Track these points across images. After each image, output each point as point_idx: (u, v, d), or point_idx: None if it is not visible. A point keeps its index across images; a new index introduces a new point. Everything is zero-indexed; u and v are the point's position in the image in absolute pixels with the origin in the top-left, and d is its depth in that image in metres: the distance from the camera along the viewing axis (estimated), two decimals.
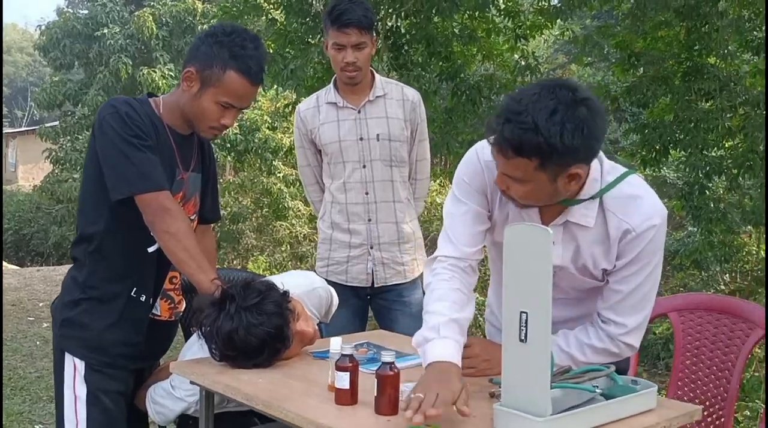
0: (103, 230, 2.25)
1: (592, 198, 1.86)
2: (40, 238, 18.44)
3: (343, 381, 1.79)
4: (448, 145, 8.80)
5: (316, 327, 2.25)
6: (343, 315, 3.12)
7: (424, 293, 2.05)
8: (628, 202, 1.86)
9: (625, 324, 1.92)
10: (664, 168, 9.67)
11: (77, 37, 17.49)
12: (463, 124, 8.64)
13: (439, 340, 1.83)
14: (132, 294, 2.28)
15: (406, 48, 7.36)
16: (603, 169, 1.88)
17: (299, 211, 15.96)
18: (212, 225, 2.60)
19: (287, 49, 7.44)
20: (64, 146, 17.14)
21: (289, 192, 15.95)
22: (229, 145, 17.14)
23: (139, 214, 2.18)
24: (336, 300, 2.61)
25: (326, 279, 3.37)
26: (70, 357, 2.28)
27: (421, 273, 3.30)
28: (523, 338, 1.59)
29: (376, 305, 3.29)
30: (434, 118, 8.77)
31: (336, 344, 2.01)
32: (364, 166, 3.15)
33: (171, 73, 16.13)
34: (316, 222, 3.51)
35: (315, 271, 3.16)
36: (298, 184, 13.20)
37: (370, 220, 3.17)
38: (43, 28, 17.74)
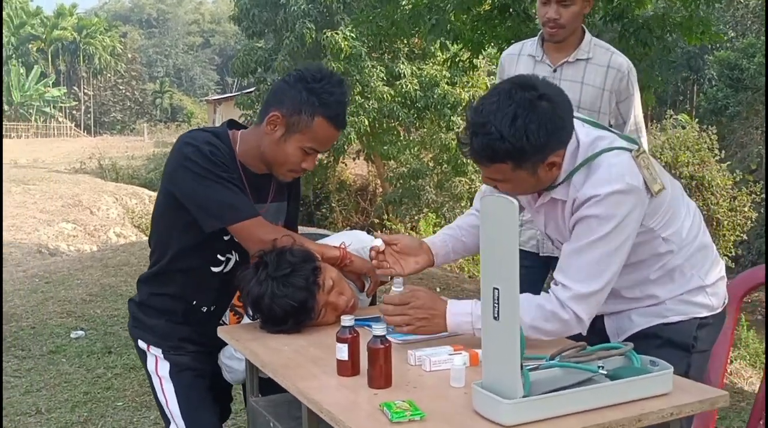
0: (174, 252, 2.30)
1: (565, 180, 1.92)
2: None
3: (342, 352, 1.79)
4: None
5: (354, 296, 2.25)
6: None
7: None
8: (585, 173, 1.89)
9: (570, 288, 1.89)
10: None
11: (264, 6, 18.34)
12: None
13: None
14: (193, 304, 2.36)
15: None
16: (580, 146, 1.91)
17: None
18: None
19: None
20: (257, 111, 18.13)
21: None
22: (409, 102, 17.36)
23: (207, 237, 2.22)
24: None
25: None
26: (143, 344, 2.41)
27: None
28: (496, 315, 1.50)
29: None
30: None
31: (398, 284, 2.10)
32: None
33: (352, 35, 16.46)
34: None
35: None
36: None
37: None
38: None
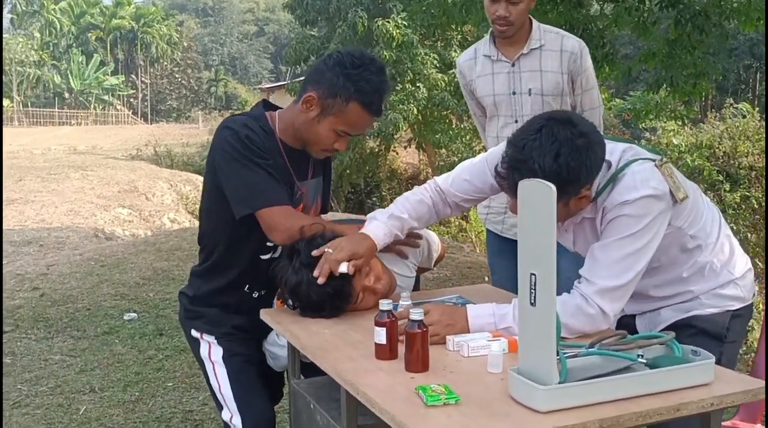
0: (225, 246, 2.35)
1: (594, 198, 1.98)
2: None
3: (380, 336, 1.81)
4: (673, 80, 8.16)
5: (393, 280, 2.25)
6: (505, 265, 3.14)
7: None
8: (612, 187, 1.95)
9: (595, 283, 1.91)
10: None
11: None
12: (689, 56, 7.90)
13: (378, 223, 2.20)
14: (245, 290, 2.41)
15: None
16: (611, 166, 1.97)
17: None
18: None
19: None
20: None
21: None
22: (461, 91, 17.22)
23: (254, 225, 2.24)
24: (436, 244, 2.55)
25: (486, 226, 3.37)
26: (197, 333, 2.46)
27: None
28: (533, 301, 1.49)
29: None
30: (655, 52, 8.15)
31: (406, 298, 2.10)
32: (516, 121, 3.12)
33: (404, 23, 16.40)
34: None
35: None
36: None
37: None
38: None
